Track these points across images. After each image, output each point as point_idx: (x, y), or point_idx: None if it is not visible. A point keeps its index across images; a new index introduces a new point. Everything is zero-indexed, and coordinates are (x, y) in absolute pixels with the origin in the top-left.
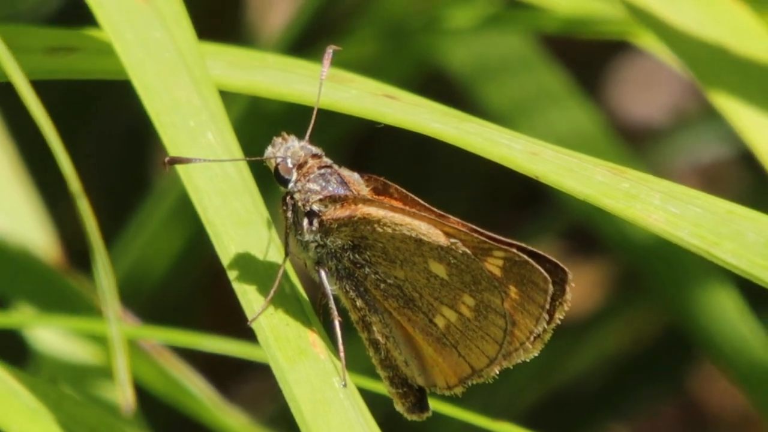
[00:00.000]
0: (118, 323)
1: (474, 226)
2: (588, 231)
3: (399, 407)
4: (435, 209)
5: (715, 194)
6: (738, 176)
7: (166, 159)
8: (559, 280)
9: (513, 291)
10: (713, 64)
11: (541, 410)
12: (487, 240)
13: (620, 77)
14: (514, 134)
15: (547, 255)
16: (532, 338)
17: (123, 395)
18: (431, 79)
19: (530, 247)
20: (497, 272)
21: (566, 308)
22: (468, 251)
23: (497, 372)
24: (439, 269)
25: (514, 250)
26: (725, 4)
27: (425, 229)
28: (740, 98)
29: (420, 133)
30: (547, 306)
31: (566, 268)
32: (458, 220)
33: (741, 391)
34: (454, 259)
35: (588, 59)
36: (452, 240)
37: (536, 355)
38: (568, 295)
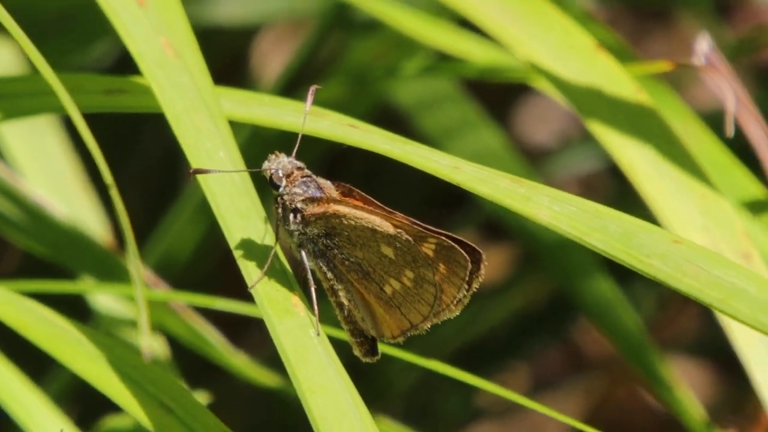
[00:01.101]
0: (143, 287)
1: (414, 220)
2: (497, 223)
3: (357, 352)
4: (386, 207)
5: (589, 198)
6: (606, 184)
7: (191, 170)
8: (476, 259)
9: (442, 267)
10: (590, 100)
11: (463, 352)
12: (422, 230)
13: (522, 111)
14: (442, 153)
15: (467, 241)
16: (455, 302)
17: (144, 344)
18: (383, 112)
19: (455, 236)
20: (430, 253)
21: (481, 280)
22: (409, 238)
23: (429, 326)
24: (388, 251)
25: (443, 238)
26: (598, 57)
27: (378, 222)
28: (609, 126)
29: (374, 153)
30: (467, 279)
31: (481, 251)
32: (403, 215)
33: (607, 339)
34: (399, 243)
35: (498, 97)
36: (398, 230)
37: (458, 314)
38: (482, 271)
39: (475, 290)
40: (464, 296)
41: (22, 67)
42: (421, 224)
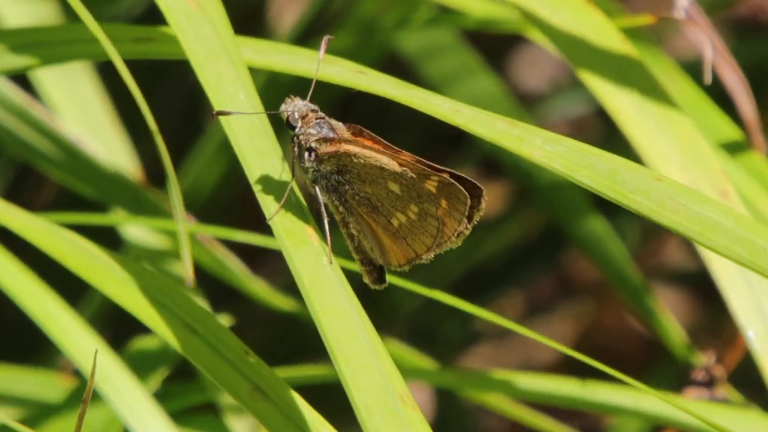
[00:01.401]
0: (184, 223)
1: (419, 158)
2: (494, 161)
3: (366, 280)
4: (394, 147)
5: (578, 139)
6: (594, 127)
7: (214, 111)
8: (477, 194)
9: (443, 203)
10: (580, 50)
11: (463, 281)
12: (426, 168)
13: (517, 59)
14: (444, 98)
15: (468, 177)
16: (456, 234)
17: (186, 272)
18: (390, 60)
19: (457, 173)
20: (433, 190)
21: (481, 214)
22: (414, 175)
23: (432, 256)
24: (394, 187)
25: (445, 175)
26: (587, 10)
27: (386, 160)
28: (597, 73)
29: (382, 97)
30: (466, 213)
31: (482, 186)
32: (409, 154)
33: (596, 267)
34: (404, 180)
35: (495, 47)
36: (403, 168)
37: (459, 245)
38: (483, 205)
39: (476, 223)
40: (465, 229)
41: (56, 17)
42: (426, 162)
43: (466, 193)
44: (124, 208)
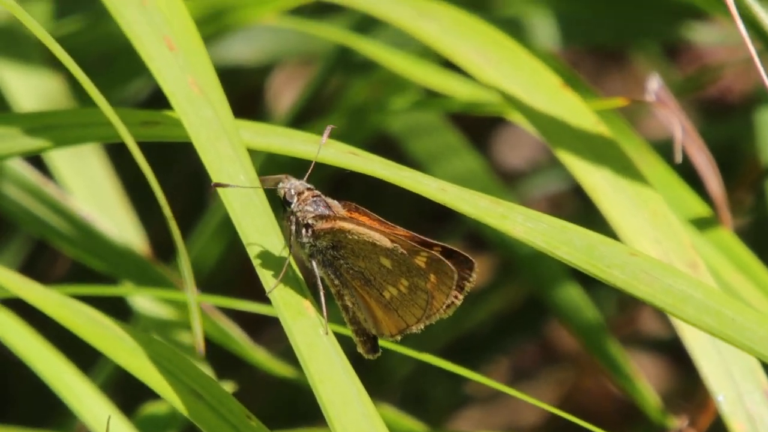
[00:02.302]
0: (195, 294)
1: (414, 234)
2: (479, 236)
3: (360, 350)
4: (388, 222)
5: (557, 215)
6: (571, 203)
7: (213, 183)
8: (469, 266)
9: (432, 277)
10: (557, 131)
11: (451, 348)
12: (417, 244)
13: (498, 139)
14: (430, 177)
15: (460, 251)
16: (444, 307)
17: (197, 342)
18: (379, 141)
19: (450, 246)
20: (423, 265)
21: (473, 284)
22: (404, 251)
23: (423, 327)
24: (386, 262)
25: (436, 251)
26: (563, 94)
27: (378, 237)
28: (573, 152)
29: (373, 176)
30: (454, 286)
31: (473, 260)
32: (403, 229)
33: (575, 336)
34: (395, 256)
35: (478, 127)
36: (395, 244)
37: (450, 315)
38: (474, 276)
39: (467, 293)
40: (456, 299)
41: (66, 101)
42: (420, 237)
43: (453, 268)
44: (133, 280)
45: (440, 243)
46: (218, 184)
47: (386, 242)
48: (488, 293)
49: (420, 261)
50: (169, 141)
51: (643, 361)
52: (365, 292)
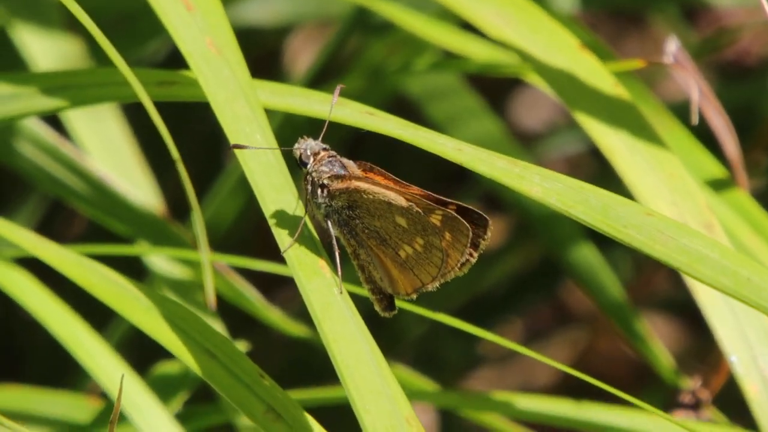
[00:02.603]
0: (207, 254)
1: (428, 192)
2: (495, 196)
3: (377, 308)
4: (403, 182)
5: (574, 176)
6: (589, 165)
7: (232, 144)
8: (483, 224)
9: (447, 235)
10: (575, 92)
11: (466, 308)
12: (432, 202)
13: (516, 101)
14: (448, 137)
15: (475, 209)
16: (459, 265)
17: (209, 299)
18: (396, 102)
19: (466, 204)
20: (438, 223)
21: (487, 242)
22: (419, 210)
23: (438, 285)
24: (401, 221)
25: (450, 209)
26: (582, 55)
27: (393, 196)
28: (591, 114)
29: (389, 136)
30: (468, 244)
31: (488, 217)
32: (418, 188)
33: (590, 297)
34: (410, 215)
35: (496, 89)
36: (410, 203)
37: (465, 273)
38: (489, 234)
39: (482, 251)
40: (471, 257)
41: (84, 62)
42: (434, 195)
43: (468, 226)
44: (149, 240)
45: (455, 201)
46: (236, 146)
47: (401, 201)
48: (503, 254)
49: (435, 219)
50: (185, 101)
51: (657, 322)
52: (381, 251)
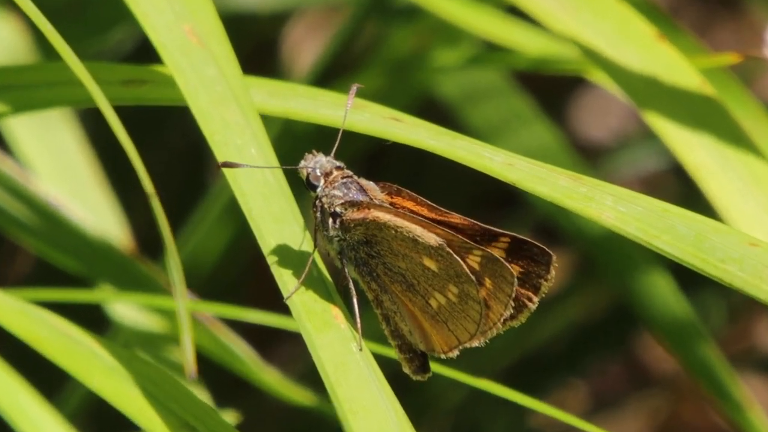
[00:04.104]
0: (185, 301)
1: (473, 221)
2: (550, 227)
3: (406, 369)
4: (440, 208)
5: (654, 197)
6: (670, 184)
7: (220, 162)
8: (545, 262)
9: (488, 282)
10: (650, 94)
11: (515, 369)
12: (469, 242)
13: (577, 105)
14: (495, 149)
15: (534, 242)
16: (502, 320)
17: (187, 361)
18: (426, 106)
19: (521, 236)
20: (476, 266)
21: (550, 284)
22: (452, 252)
23: (479, 343)
24: (431, 264)
25: (489, 251)
26: (659, 47)
27: (420, 232)
28: (672, 121)
29: (414, 150)
30: (513, 294)
31: (551, 252)
32: (460, 216)
33: (672, 353)
34: (441, 257)
35: (551, 90)
36: (440, 243)
37: (520, 323)
38: (552, 273)
39: (543, 295)
40: (527, 304)
41: (30, 56)
42: (482, 225)
43: (512, 271)
44: (112, 282)
45: (508, 233)
46: (226, 164)
47: (430, 239)
48: (563, 299)
49: (473, 261)
50: (158, 105)
51: (757, 385)
52: (408, 299)
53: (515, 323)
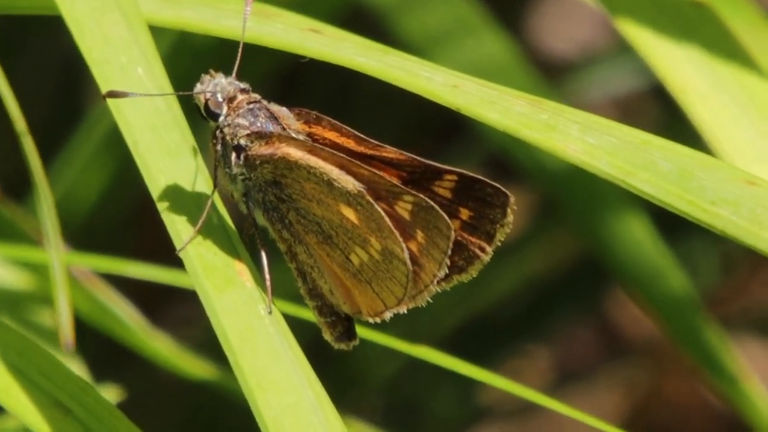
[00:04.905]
0: (60, 252)
1: (411, 155)
2: (504, 161)
3: (327, 336)
4: (370, 140)
5: (630, 125)
6: (650, 108)
7: (105, 92)
8: (500, 204)
9: (420, 235)
10: None
11: (461, 333)
12: (400, 186)
13: (537, 11)
14: (436, 67)
15: (487, 180)
16: (435, 281)
17: (63, 328)
18: (352, 14)
19: (470, 174)
20: (406, 216)
21: (507, 230)
22: (372, 202)
23: (407, 309)
24: (349, 213)
25: (422, 196)
26: None
27: (336, 174)
28: (651, 30)
29: (342, 67)
30: (449, 252)
31: (507, 192)
32: (394, 149)
33: (651, 315)
34: (360, 206)
35: None
36: (359, 189)
37: (471, 278)
38: (509, 218)
39: (498, 244)
40: (478, 254)
41: None
42: (422, 161)
43: (448, 222)
44: None
45: (456, 169)
46: (112, 94)
47: (348, 183)
48: (520, 249)
49: (402, 209)
50: (24, 14)
51: (754, 351)
52: (325, 253)
53: (464, 277)
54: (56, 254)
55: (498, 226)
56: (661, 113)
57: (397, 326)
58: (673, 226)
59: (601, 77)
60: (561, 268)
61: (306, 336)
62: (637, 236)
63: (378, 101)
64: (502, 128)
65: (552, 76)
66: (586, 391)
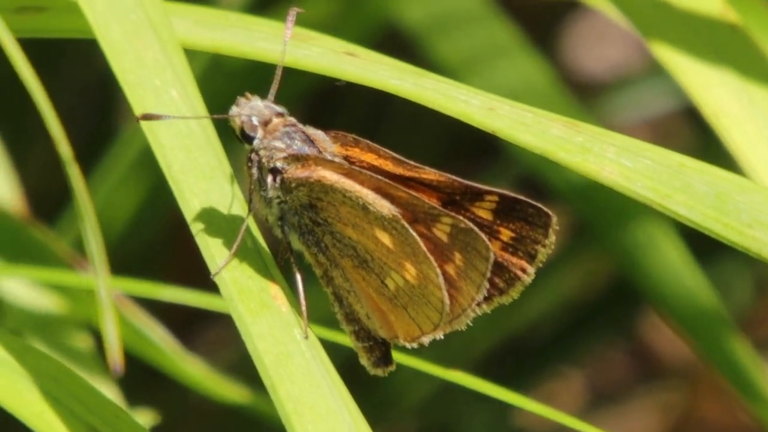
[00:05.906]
0: (107, 283)
1: (451, 176)
2: (537, 183)
3: (364, 361)
4: (409, 161)
5: (664, 147)
6: (683, 129)
7: (139, 115)
8: (542, 225)
9: (458, 257)
10: (659, 20)
11: (495, 356)
12: (438, 208)
13: (571, 34)
14: (471, 89)
15: (529, 200)
16: (474, 304)
17: (112, 357)
18: (386, 37)
19: (513, 194)
20: (444, 238)
21: (549, 251)
22: (406, 225)
23: (443, 335)
24: (384, 237)
25: (460, 217)
26: None
27: (371, 198)
28: (686, 54)
29: (376, 91)
30: (488, 274)
31: (550, 212)
32: (435, 170)
33: (684, 339)
34: (395, 230)
35: (540, 16)
36: (393, 213)
37: (511, 300)
38: (552, 238)
39: (540, 265)
40: (519, 275)
41: None
42: (462, 182)
43: (488, 244)
44: (0, 252)
45: (497, 190)
46: (147, 116)
47: (383, 207)
48: (554, 271)
49: (441, 231)
50: (58, 38)
51: None
52: (361, 278)
53: (505, 299)
54: (102, 281)
55: (540, 246)
56: (695, 135)
57: (431, 348)
58: (706, 247)
59: (634, 99)
60: (594, 290)
61: (339, 358)
62: (671, 258)
63: (410, 123)
64: (539, 151)
65: (585, 97)
66: (620, 413)
